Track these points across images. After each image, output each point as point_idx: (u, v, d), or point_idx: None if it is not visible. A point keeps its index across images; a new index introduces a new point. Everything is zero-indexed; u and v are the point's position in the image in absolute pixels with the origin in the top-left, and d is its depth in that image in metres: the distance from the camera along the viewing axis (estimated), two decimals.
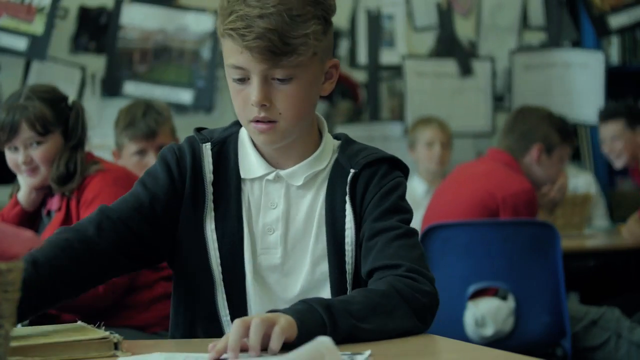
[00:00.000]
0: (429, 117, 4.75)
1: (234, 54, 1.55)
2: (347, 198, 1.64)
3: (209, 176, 1.66)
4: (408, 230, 1.61)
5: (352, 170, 1.65)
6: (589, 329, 3.19)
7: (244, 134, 1.70)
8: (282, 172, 1.66)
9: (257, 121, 1.59)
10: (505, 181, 3.22)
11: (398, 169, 1.68)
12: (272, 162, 1.67)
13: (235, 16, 1.52)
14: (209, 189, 1.66)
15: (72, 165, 2.59)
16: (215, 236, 1.64)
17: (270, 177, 1.66)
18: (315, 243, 1.65)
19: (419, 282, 1.53)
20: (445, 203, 3.29)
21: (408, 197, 1.69)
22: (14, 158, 2.59)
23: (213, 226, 1.65)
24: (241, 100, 1.59)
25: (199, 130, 1.72)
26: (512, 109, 5.43)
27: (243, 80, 1.57)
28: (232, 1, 1.55)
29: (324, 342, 1.31)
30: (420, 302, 1.50)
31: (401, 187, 1.66)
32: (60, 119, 2.60)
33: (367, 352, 1.36)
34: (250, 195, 1.67)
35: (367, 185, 1.64)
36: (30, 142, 2.56)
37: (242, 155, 1.68)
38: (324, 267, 1.64)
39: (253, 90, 1.56)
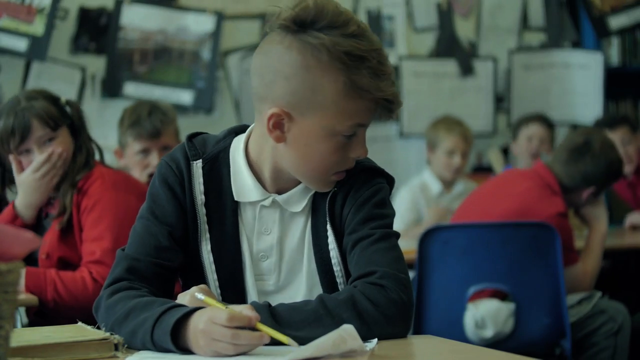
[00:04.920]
0: (454, 120, 4.61)
1: (366, 114, 1.56)
2: (327, 218, 1.62)
3: (200, 197, 1.63)
4: (383, 234, 1.59)
5: (333, 189, 1.63)
6: (597, 317, 3.20)
7: (235, 152, 1.65)
8: (279, 198, 1.63)
9: (342, 171, 1.60)
10: (536, 203, 3.17)
11: (379, 177, 1.66)
12: (267, 186, 1.63)
13: (389, 81, 1.55)
14: (202, 210, 1.63)
15: (87, 157, 2.61)
16: (212, 258, 1.63)
17: (267, 202, 1.63)
18: (308, 266, 1.64)
19: (388, 289, 1.51)
20: (476, 218, 3.27)
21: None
22: (28, 160, 2.57)
23: (209, 248, 1.63)
24: (342, 154, 1.58)
25: (190, 139, 1.67)
26: (512, 110, 5.45)
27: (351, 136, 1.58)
28: (368, 52, 1.53)
29: (346, 329, 1.35)
30: (375, 315, 1.48)
31: (379, 194, 1.64)
32: (63, 114, 2.61)
33: (374, 340, 1.44)
34: (244, 218, 1.64)
35: (344, 200, 1.63)
36: (44, 140, 2.56)
37: (236, 177, 1.64)
38: (319, 288, 1.63)
39: (361, 143, 1.58)
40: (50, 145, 2.56)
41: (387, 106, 1.56)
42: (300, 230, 1.64)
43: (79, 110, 2.67)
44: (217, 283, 1.63)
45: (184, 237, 1.63)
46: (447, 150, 4.44)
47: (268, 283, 1.64)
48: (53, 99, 2.62)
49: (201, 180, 1.63)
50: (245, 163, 1.63)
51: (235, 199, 1.63)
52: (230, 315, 1.37)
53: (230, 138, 1.68)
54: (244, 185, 1.63)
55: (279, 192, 1.64)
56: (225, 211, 1.63)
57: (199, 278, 1.63)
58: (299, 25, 1.53)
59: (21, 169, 2.59)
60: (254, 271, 1.64)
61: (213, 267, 1.63)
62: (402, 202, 4.37)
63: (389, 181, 1.68)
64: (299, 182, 1.63)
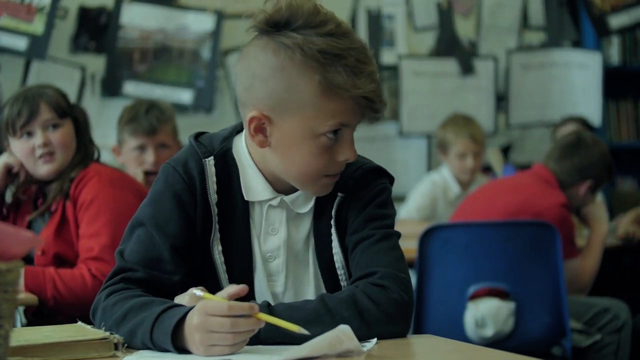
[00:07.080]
0: (462, 120, 4.48)
1: (348, 114, 1.52)
2: (333, 222, 1.61)
3: (214, 197, 1.59)
4: (384, 235, 1.59)
5: (339, 195, 1.61)
6: (602, 315, 3.23)
7: (238, 150, 1.62)
8: (286, 198, 1.61)
9: (332, 175, 1.57)
10: (537, 195, 3.20)
11: (383, 177, 1.65)
12: (274, 186, 1.61)
13: (368, 79, 1.50)
14: (215, 210, 1.59)
15: (84, 157, 2.63)
16: (223, 259, 1.60)
17: (275, 202, 1.61)
18: (313, 269, 1.63)
19: (389, 289, 1.51)
20: (478, 214, 3.28)
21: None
22: (28, 144, 2.58)
23: (220, 248, 1.60)
24: (328, 157, 1.54)
25: (196, 137, 1.63)
26: (511, 109, 5.45)
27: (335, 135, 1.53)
28: (345, 50, 1.49)
29: (343, 329, 1.35)
30: (376, 314, 1.48)
31: (382, 195, 1.63)
32: (70, 108, 2.65)
33: (374, 340, 1.44)
34: (253, 218, 1.61)
35: (350, 203, 1.62)
36: (48, 125, 2.58)
37: (245, 176, 1.61)
38: (324, 292, 1.61)
39: (348, 145, 1.54)
40: (53, 132, 2.58)
41: (369, 105, 1.52)
42: (305, 232, 1.63)
43: (84, 114, 2.71)
44: (228, 284, 1.59)
45: (187, 245, 1.58)
46: (458, 154, 4.35)
47: (277, 284, 1.62)
48: (63, 94, 2.68)
49: (214, 179, 1.59)
50: (251, 162, 1.60)
51: (245, 198, 1.60)
52: (229, 304, 1.36)
53: (233, 136, 1.65)
54: (252, 184, 1.60)
55: (286, 193, 1.62)
56: (236, 211, 1.60)
57: (212, 279, 1.60)
58: (273, 26, 1.52)
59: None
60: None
61: (224, 267, 1.60)
62: (421, 196, 4.33)
63: (391, 181, 1.67)
64: None
